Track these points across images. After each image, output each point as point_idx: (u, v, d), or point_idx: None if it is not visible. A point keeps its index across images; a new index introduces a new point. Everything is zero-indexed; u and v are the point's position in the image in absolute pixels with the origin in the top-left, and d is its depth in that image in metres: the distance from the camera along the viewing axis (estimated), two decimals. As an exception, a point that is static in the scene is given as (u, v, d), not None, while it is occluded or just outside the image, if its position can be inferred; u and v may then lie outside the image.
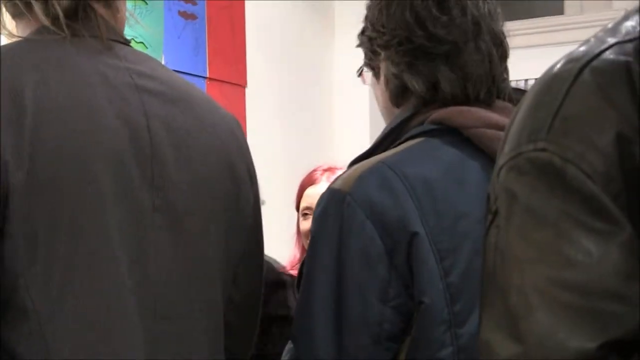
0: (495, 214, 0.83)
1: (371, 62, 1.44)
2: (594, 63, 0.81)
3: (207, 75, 3.49)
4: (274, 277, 2.23)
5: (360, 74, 1.54)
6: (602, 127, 0.78)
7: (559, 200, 0.77)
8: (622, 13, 0.87)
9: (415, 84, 1.37)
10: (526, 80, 4.01)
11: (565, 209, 0.77)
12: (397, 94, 1.40)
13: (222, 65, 3.56)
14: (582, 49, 0.84)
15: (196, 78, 3.39)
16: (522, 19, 4.25)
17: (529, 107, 0.84)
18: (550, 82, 0.83)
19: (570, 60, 0.83)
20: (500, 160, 0.84)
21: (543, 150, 0.79)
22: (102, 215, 1.11)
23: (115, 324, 1.12)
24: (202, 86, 3.43)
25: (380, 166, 1.31)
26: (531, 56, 4.10)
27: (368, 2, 1.45)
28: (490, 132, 1.31)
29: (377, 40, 1.39)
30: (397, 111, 1.43)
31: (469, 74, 1.37)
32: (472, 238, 1.27)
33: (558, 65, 0.84)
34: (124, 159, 1.14)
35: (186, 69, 3.34)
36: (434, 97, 1.38)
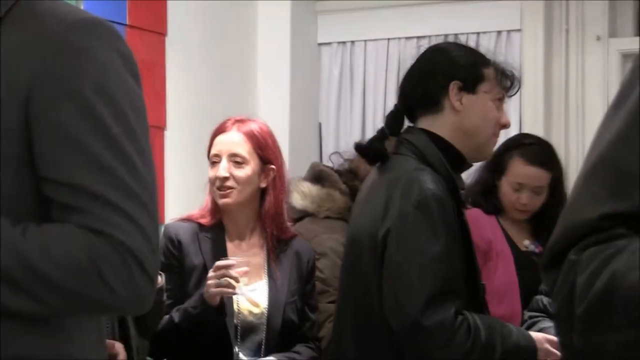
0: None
1: None
2: None
3: (127, 23, 3.44)
4: None
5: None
6: None
7: None
8: None
9: None
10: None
11: None
12: None
13: (142, 12, 3.51)
14: None
15: (116, 25, 3.33)
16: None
17: None
18: None
19: None
20: None
21: None
22: None
23: None
24: (121, 33, 3.38)
25: None
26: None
27: None
28: None
29: None
30: None
31: None
32: None
33: None
34: None
35: (106, 15, 3.27)
36: None
